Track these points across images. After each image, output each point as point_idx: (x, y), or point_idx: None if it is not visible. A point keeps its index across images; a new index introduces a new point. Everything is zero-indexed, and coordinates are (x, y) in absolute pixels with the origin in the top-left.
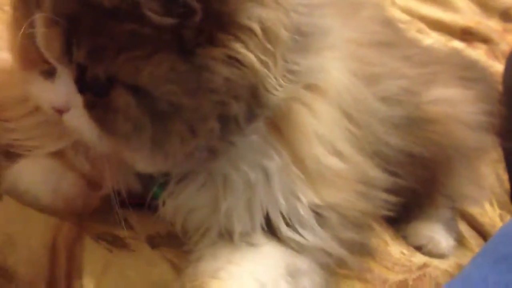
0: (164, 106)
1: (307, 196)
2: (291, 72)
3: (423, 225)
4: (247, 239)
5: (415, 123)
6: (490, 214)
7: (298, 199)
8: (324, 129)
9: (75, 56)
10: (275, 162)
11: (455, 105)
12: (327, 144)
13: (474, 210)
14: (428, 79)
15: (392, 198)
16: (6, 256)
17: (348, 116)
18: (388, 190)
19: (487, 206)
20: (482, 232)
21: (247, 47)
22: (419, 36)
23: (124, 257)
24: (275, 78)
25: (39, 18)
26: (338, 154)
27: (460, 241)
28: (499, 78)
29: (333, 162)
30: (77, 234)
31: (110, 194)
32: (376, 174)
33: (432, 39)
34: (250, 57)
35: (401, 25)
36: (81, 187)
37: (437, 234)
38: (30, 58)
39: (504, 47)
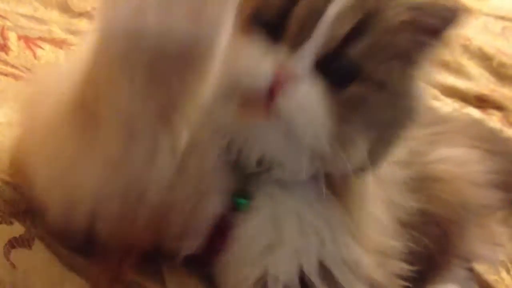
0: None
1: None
2: None
3: (438, 287)
4: None
5: (424, 182)
6: (507, 282)
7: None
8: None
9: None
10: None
11: (463, 164)
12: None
13: (490, 277)
14: (434, 139)
15: (408, 266)
16: None
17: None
18: (404, 258)
19: (504, 273)
20: None
21: None
22: (433, 103)
23: None
24: None
25: None
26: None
27: None
28: None
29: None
30: None
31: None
32: (393, 242)
33: (447, 105)
34: None
35: None
36: None
37: None
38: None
39: None
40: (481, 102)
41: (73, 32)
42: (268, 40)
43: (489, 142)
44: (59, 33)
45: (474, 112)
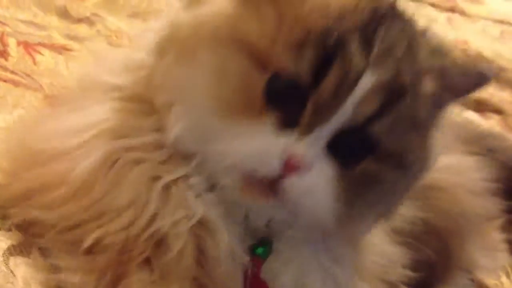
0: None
1: None
2: None
3: None
4: None
5: (423, 191)
6: (507, 286)
7: None
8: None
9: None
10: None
11: (460, 172)
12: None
13: (490, 282)
14: None
15: (410, 273)
16: None
17: None
18: (406, 265)
19: (504, 278)
20: None
21: None
22: None
23: None
24: None
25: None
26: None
27: None
28: None
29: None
30: None
31: None
32: (394, 249)
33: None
34: None
35: None
36: None
37: None
38: (254, 104)
39: None
40: (480, 105)
41: (73, 38)
42: (280, 119)
43: (478, 143)
44: (58, 39)
45: (473, 116)
